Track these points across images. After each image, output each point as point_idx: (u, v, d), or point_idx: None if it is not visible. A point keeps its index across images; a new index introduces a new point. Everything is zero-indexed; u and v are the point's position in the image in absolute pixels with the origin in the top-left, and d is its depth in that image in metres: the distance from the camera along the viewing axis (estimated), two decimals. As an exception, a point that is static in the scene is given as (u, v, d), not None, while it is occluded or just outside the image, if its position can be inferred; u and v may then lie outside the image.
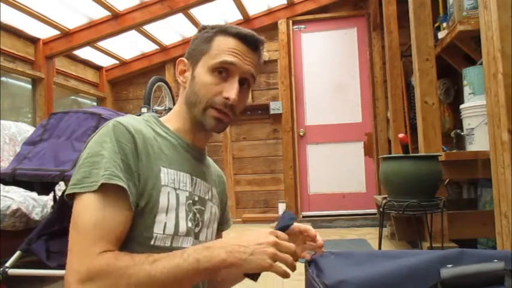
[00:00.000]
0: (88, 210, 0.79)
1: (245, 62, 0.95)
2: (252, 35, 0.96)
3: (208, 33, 0.96)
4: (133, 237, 0.85)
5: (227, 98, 0.93)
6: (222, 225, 1.17)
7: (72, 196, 0.83)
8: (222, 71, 0.93)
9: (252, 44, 0.96)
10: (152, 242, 0.86)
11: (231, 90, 0.93)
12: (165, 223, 0.88)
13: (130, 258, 0.76)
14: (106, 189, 0.80)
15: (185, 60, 0.99)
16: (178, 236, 0.90)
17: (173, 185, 0.91)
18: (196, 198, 0.98)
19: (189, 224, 0.93)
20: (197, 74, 0.95)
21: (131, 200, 0.83)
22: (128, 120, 0.90)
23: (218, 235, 1.12)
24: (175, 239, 0.89)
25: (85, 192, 0.80)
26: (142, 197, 0.85)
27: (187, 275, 0.76)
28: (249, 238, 0.77)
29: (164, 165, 0.91)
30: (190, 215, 0.94)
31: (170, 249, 0.85)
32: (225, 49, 0.94)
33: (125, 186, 0.81)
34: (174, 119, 1.00)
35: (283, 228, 0.84)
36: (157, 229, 0.87)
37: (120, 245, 0.82)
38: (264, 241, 0.76)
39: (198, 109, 0.95)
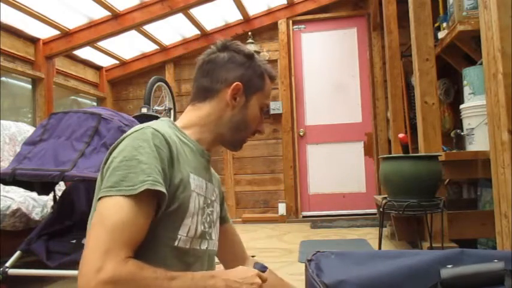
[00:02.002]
0: (121, 213, 0.82)
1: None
2: None
3: (260, 69, 1.10)
4: (158, 237, 0.89)
5: (260, 131, 1.14)
6: (224, 220, 1.24)
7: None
8: (263, 108, 1.12)
9: (274, 80, 1.16)
10: (176, 244, 0.92)
11: (263, 126, 1.15)
12: (190, 226, 0.95)
13: (153, 272, 0.81)
14: (142, 194, 0.84)
15: (241, 86, 1.06)
16: (196, 239, 0.97)
17: (197, 190, 0.99)
18: (209, 202, 1.05)
19: (203, 227, 1.00)
20: (251, 106, 1.09)
21: (163, 205, 0.88)
22: (162, 126, 0.96)
23: (222, 230, 1.19)
24: (193, 242, 0.97)
25: (118, 195, 0.83)
26: (173, 201, 0.91)
27: None
28: (242, 275, 0.90)
29: (191, 171, 0.98)
30: (204, 218, 1.01)
31: (189, 250, 0.95)
32: (269, 92, 1.14)
33: (166, 193, 0.87)
34: (196, 129, 1.06)
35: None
36: (182, 231, 0.93)
37: (143, 243, 0.86)
38: (253, 281, 0.90)
39: (241, 135, 1.10)
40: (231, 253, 1.24)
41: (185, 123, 1.07)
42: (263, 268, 1.01)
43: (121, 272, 0.77)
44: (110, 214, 0.82)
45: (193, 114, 1.08)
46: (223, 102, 1.06)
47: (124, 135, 0.95)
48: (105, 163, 0.92)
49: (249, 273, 0.92)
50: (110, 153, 0.92)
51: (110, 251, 0.78)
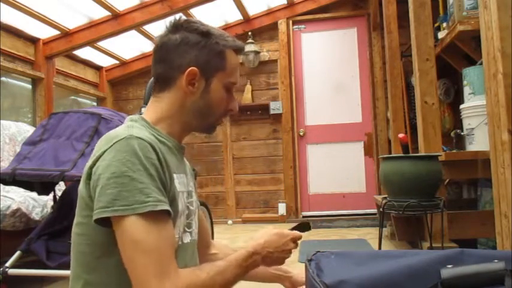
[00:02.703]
0: (149, 232, 0.81)
1: (238, 74, 1.06)
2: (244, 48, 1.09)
3: (219, 47, 0.98)
4: None
5: (232, 111, 1.05)
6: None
7: (103, 219, 0.83)
8: (230, 88, 1.03)
9: (241, 53, 1.08)
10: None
11: (235, 104, 1.05)
12: (179, 226, 0.94)
13: (205, 272, 0.86)
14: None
15: (197, 71, 0.97)
16: (183, 233, 0.97)
17: (181, 188, 0.96)
18: (188, 193, 1.02)
19: (189, 220, 1.00)
20: (213, 89, 0.99)
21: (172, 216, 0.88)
22: (142, 132, 0.90)
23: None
24: (183, 237, 0.97)
25: (129, 215, 0.81)
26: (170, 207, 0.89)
27: (239, 278, 0.94)
28: (276, 244, 1.01)
29: (174, 171, 0.94)
30: (186, 211, 0.99)
31: (180, 247, 0.95)
32: (234, 68, 1.02)
33: (170, 210, 0.86)
34: (165, 122, 0.99)
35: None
36: (176, 233, 0.92)
37: None
38: (285, 248, 1.03)
39: (209, 120, 1.03)
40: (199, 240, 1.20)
41: (153, 118, 0.99)
42: (304, 226, 1.08)
43: (183, 285, 0.81)
44: (138, 236, 0.81)
45: (157, 106, 1.00)
46: (182, 90, 0.97)
47: (103, 143, 0.88)
48: (89, 174, 0.87)
49: (282, 239, 1.02)
50: (93, 164, 0.87)
51: (163, 272, 0.80)
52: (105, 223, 0.83)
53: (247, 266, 0.94)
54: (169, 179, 0.90)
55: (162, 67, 0.99)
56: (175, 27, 0.99)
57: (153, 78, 1.03)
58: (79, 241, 0.91)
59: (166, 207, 0.85)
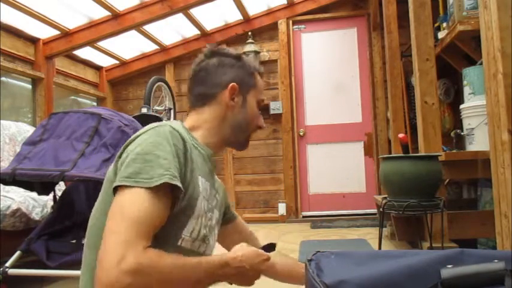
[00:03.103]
0: (140, 204, 0.84)
1: None
2: None
3: (250, 67, 1.15)
4: (163, 235, 0.90)
5: (261, 127, 1.18)
6: (233, 217, 1.30)
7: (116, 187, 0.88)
8: (260, 105, 1.17)
9: (262, 76, 1.22)
10: (179, 243, 0.95)
11: (262, 120, 1.19)
12: (194, 227, 0.98)
13: (171, 260, 0.84)
14: (159, 188, 0.86)
15: (237, 86, 1.10)
16: (198, 241, 1.00)
17: (204, 193, 1.01)
18: (210, 207, 1.07)
19: (205, 231, 1.03)
20: (249, 104, 1.13)
21: (178, 201, 0.91)
22: (179, 127, 0.99)
23: (231, 226, 1.28)
24: (195, 243, 1.00)
25: (137, 187, 0.85)
26: (183, 199, 0.93)
27: (205, 283, 0.92)
28: (251, 261, 0.96)
29: (200, 174, 1.01)
30: (206, 222, 1.03)
31: (190, 252, 0.97)
32: (262, 88, 1.19)
33: (182, 189, 0.90)
34: (204, 133, 1.09)
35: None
36: (187, 232, 0.96)
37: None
38: (259, 267, 0.98)
39: (245, 133, 1.15)
40: None
41: (191, 126, 1.09)
42: (270, 247, 1.10)
43: (142, 262, 0.79)
44: (129, 204, 0.84)
45: (198, 118, 1.10)
46: (223, 105, 1.10)
47: (140, 131, 0.97)
48: (120, 156, 0.94)
49: (260, 257, 0.99)
50: (126, 147, 0.94)
51: (131, 241, 0.80)
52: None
53: (216, 275, 0.92)
54: (190, 173, 0.95)
55: (203, 87, 1.12)
56: (211, 53, 1.14)
57: (190, 95, 1.15)
58: (99, 225, 0.93)
59: (179, 184, 0.89)
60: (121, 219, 0.82)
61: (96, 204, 1.00)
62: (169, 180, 0.86)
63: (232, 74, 1.12)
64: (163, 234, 0.90)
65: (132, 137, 0.96)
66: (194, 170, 0.97)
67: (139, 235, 0.81)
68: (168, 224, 0.90)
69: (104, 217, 0.89)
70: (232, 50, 1.17)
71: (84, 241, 1.00)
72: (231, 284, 0.99)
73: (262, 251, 1.02)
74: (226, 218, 1.26)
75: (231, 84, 1.10)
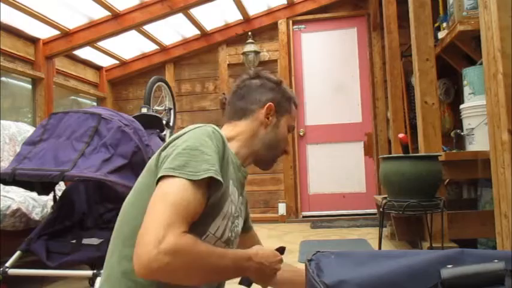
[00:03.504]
0: (183, 192, 0.89)
1: None
2: None
3: (288, 94, 1.25)
4: (190, 228, 0.91)
5: (287, 152, 1.27)
6: (249, 228, 1.36)
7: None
8: (290, 131, 1.26)
9: (297, 106, 1.31)
10: (203, 238, 0.98)
11: (289, 147, 1.29)
12: (219, 227, 1.02)
13: (206, 247, 0.90)
14: (202, 182, 0.91)
15: (273, 107, 1.20)
16: (221, 242, 1.04)
17: (232, 197, 1.06)
18: (237, 214, 1.13)
19: (230, 234, 1.07)
20: (281, 127, 1.22)
21: (213, 197, 0.96)
22: (219, 129, 1.06)
23: (246, 236, 1.32)
24: (218, 243, 1.03)
25: (182, 177, 0.90)
26: (214, 197, 0.97)
27: (229, 274, 0.98)
28: (271, 259, 1.05)
29: (231, 179, 1.06)
30: (232, 226, 1.08)
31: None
32: (295, 116, 1.29)
33: (224, 184, 0.96)
34: (237, 144, 1.17)
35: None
36: (212, 229, 1.00)
37: None
38: (276, 266, 1.06)
39: (273, 153, 1.23)
40: None
41: (226, 136, 1.12)
42: (281, 250, 1.15)
43: (181, 244, 0.83)
44: (173, 192, 0.88)
45: (231, 129, 1.18)
46: (258, 121, 1.19)
47: (185, 129, 1.04)
48: (163, 149, 0.99)
49: (276, 257, 1.07)
50: (170, 142, 1.00)
51: (172, 224, 0.84)
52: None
53: (240, 267, 0.97)
54: (225, 174, 1.01)
55: (244, 102, 1.21)
56: (256, 74, 1.25)
57: (230, 108, 1.24)
58: (130, 211, 1.01)
59: (221, 178, 0.94)
60: (164, 204, 0.87)
61: (132, 191, 1.05)
62: (214, 175, 0.91)
63: (271, 96, 1.21)
64: (190, 227, 0.93)
65: (178, 133, 1.02)
66: (227, 172, 1.03)
67: (180, 220, 0.86)
68: (197, 218, 0.94)
69: (138, 204, 0.96)
70: (274, 77, 1.27)
71: (115, 228, 1.04)
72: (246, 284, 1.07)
73: (277, 252, 1.09)
74: (244, 228, 1.30)
75: (268, 104, 1.19)
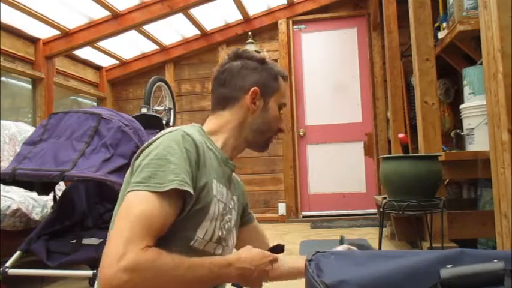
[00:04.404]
0: (146, 205, 0.86)
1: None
2: None
3: (273, 71, 1.16)
4: (176, 235, 0.92)
5: (282, 130, 1.19)
6: (250, 220, 1.30)
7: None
8: (282, 108, 1.18)
9: (286, 79, 1.22)
10: (191, 243, 0.97)
11: (283, 123, 1.20)
12: (207, 230, 0.99)
13: (172, 259, 0.85)
14: (169, 192, 0.88)
15: (258, 90, 1.11)
16: (212, 243, 1.02)
17: (218, 196, 1.03)
18: (227, 209, 1.09)
19: (221, 233, 1.04)
20: (271, 108, 1.14)
21: (188, 205, 0.93)
22: (192, 131, 1.01)
23: (247, 229, 1.28)
24: (208, 245, 1.01)
25: (147, 190, 0.87)
26: (196, 202, 0.95)
27: (207, 283, 0.92)
28: (256, 262, 0.97)
29: (214, 177, 1.02)
30: (222, 224, 1.05)
31: (202, 252, 0.98)
32: (285, 91, 1.19)
33: (193, 193, 0.92)
34: (221, 136, 1.10)
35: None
36: (200, 233, 0.98)
37: (160, 240, 0.89)
38: (265, 268, 0.98)
39: (265, 136, 1.15)
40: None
41: (210, 130, 1.11)
42: (278, 248, 1.08)
43: (140, 260, 0.80)
44: (136, 206, 0.86)
45: (216, 121, 1.12)
46: (244, 108, 1.11)
47: (158, 134, 1.00)
48: (136, 159, 0.97)
49: (264, 259, 0.98)
50: (142, 151, 0.97)
51: (132, 240, 0.82)
52: None
53: (219, 274, 0.92)
54: (203, 177, 0.97)
55: (226, 89, 1.13)
56: (236, 55, 1.15)
57: (212, 97, 1.16)
58: (113, 223, 0.96)
59: (190, 189, 0.90)
60: (126, 218, 0.85)
61: (117, 204, 1.03)
62: (178, 186, 0.88)
63: (255, 78, 1.13)
64: (175, 235, 0.92)
65: (150, 141, 0.99)
66: (208, 173, 0.99)
67: (141, 234, 0.83)
68: (181, 225, 0.92)
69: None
70: (256, 54, 1.18)
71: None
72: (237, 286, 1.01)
73: (268, 253, 1.02)
74: (244, 221, 1.26)
75: (253, 88, 1.11)
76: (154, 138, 0.99)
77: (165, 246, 0.89)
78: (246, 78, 1.12)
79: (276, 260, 1.01)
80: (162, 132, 1.01)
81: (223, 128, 1.11)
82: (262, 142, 1.16)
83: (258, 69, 1.14)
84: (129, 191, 0.89)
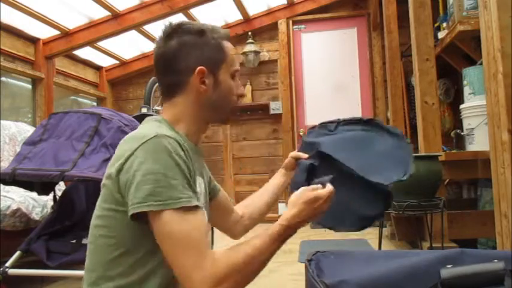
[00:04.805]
0: (183, 225, 0.85)
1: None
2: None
3: (215, 41, 1.04)
4: None
5: (241, 95, 1.11)
6: (216, 191, 1.25)
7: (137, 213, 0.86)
8: (235, 75, 1.09)
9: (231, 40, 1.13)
10: None
11: (242, 88, 1.12)
12: None
13: (243, 253, 0.87)
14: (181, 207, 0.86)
15: (205, 69, 1.01)
16: None
17: (201, 191, 1.02)
18: (206, 199, 1.07)
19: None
20: (223, 81, 1.05)
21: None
22: (169, 132, 0.95)
23: (217, 202, 1.24)
24: None
25: (169, 209, 0.84)
26: None
27: (275, 251, 0.92)
28: (310, 214, 0.95)
29: (198, 174, 1.00)
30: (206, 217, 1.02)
31: None
32: (233, 56, 1.09)
33: (201, 206, 0.91)
34: (183, 124, 1.03)
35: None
36: None
37: (151, 250, 0.89)
38: (320, 211, 0.96)
39: (225, 110, 1.08)
40: (229, 220, 1.29)
41: (171, 121, 1.03)
42: (323, 181, 0.99)
43: (220, 271, 0.82)
44: (177, 231, 0.84)
45: (173, 110, 1.04)
46: (194, 91, 1.02)
47: (132, 142, 0.91)
48: (118, 172, 0.89)
49: (314, 204, 0.94)
50: (125, 161, 0.89)
51: (199, 263, 0.83)
52: (139, 217, 0.87)
53: (283, 240, 0.93)
54: (194, 176, 0.94)
55: (169, 75, 1.04)
56: (169, 34, 1.04)
57: (159, 85, 1.09)
58: (99, 233, 0.94)
59: (197, 203, 0.89)
60: (179, 247, 0.84)
61: (94, 214, 0.98)
62: (186, 204, 0.86)
63: (197, 55, 1.01)
64: None
65: (124, 152, 0.90)
66: (194, 171, 0.96)
67: (203, 252, 0.84)
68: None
69: (97, 221, 0.94)
70: (192, 24, 1.05)
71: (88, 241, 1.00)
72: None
73: (318, 194, 0.95)
74: (212, 195, 1.21)
75: (198, 68, 1.00)
76: (128, 148, 0.90)
77: (158, 254, 0.89)
78: (187, 59, 1.01)
79: (330, 194, 0.96)
80: (135, 138, 0.91)
81: (180, 116, 1.03)
82: (224, 116, 1.10)
83: (198, 44, 1.02)
84: (134, 213, 0.85)
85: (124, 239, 0.91)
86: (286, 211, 0.96)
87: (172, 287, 0.94)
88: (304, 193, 0.96)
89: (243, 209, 1.32)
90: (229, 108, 1.08)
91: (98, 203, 0.97)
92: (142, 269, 0.90)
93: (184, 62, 1.01)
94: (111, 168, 0.93)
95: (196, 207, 0.88)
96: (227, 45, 1.08)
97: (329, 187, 0.96)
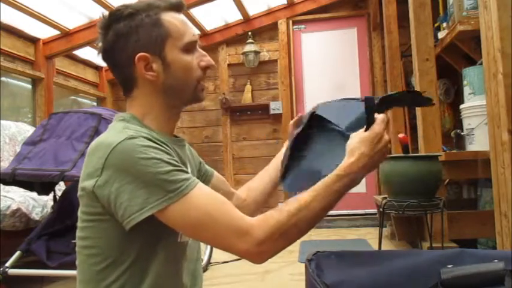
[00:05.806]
0: (203, 202, 0.83)
1: (192, 29, 0.98)
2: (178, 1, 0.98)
3: (151, 18, 0.91)
4: (161, 234, 0.87)
5: (207, 67, 0.96)
6: (210, 176, 1.19)
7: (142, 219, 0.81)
8: (190, 48, 0.95)
9: (181, 8, 1.00)
10: (179, 239, 0.92)
11: (206, 58, 0.97)
12: None
13: (286, 211, 0.87)
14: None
15: (146, 54, 0.90)
16: None
17: None
18: None
19: None
20: (172, 61, 0.92)
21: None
22: (138, 129, 0.88)
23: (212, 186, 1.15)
24: (182, 236, 0.94)
25: (172, 203, 0.81)
26: None
27: (333, 202, 0.89)
28: (372, 156, 0.87)
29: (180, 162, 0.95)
30: None
31: (180, 243, 0.92)
32: (181, 27, 0.94)
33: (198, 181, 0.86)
34: (150, 118, 0.95)
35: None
36: None
37: (148, 242, 0.86)
38: (383, 151, 0.89)
39: (188, 91, 0.96)
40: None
41: (140, 117, 0.95)
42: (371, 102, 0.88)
43: (263, 234, 0.81)
44: (202, 210, 0.82)
45: (135, 105, 0.96)
46: (146, 80, 0.92)
47: (101, 150, 0.86)
48: (94, 187, 0.84)
49: (377, 145, 0.87)
50: (101, 173, 0.84)
51: (237, 230, 0.81)
52: (137, 224, 0.82)
53: (339, 189, 0.87)
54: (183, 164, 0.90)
55: (116, 71, 0.96)
56: (104, 27, 0.93)
57: (117, 81, 0.99)
58: (83, 244, 0.90)
59: (193, 179, 0.84)
60: (209, 224, 0.82)
61: (83, 229, 0.92)
62: (185, 191, 0.82)
63: (133, 42, 0.90)
64: (162, 233, 0.87)
65: (97, 162, 0.86)
66: (181, 160, 0.93)
67: (238, 218, 0.83)
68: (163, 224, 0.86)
69: (80, 233, 0.90)
70: (124, 8, 0.92)
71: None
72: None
73: (377, 132, 0.87)
74: (205, 179, 1.15)
75: (137, 56, 0.90)
76: (98, 158, 0.86)
77: (155, 245, 0.87)
78: (126, 49, 0.91)
79: (385, 119, 0.88)
80: (104, 145, 0.86)
81: (144, 109, 0.95)
82: (191, 97, 0.97)
83: (132, 28, 0.90)
84: (164, 207, 0.81)
85: (110, 250, 0.86)
86: (345, 158, 0.89)
87: (167, 285, 0.91)
88: (359, 137, 0.88)
89: (246, 191, 1.22)
90: (194, 85, 0.95)
91: (78, 214, 0.91)
92: (134, 276, 0.86)
93: (124, 52, 0.91)
94: (84, 181, 0.88)
95: (195, 185, 0.83)
96: (168, 17, 0.93)
97: (379, 117, 0.88)
